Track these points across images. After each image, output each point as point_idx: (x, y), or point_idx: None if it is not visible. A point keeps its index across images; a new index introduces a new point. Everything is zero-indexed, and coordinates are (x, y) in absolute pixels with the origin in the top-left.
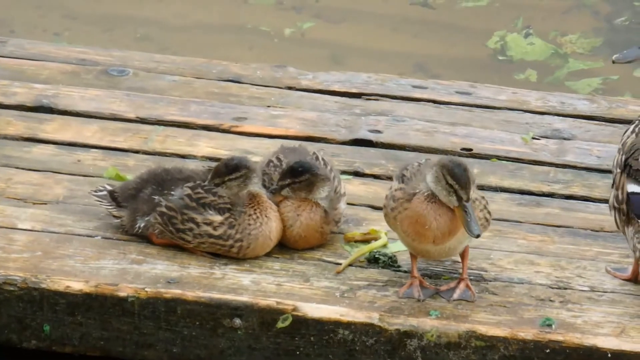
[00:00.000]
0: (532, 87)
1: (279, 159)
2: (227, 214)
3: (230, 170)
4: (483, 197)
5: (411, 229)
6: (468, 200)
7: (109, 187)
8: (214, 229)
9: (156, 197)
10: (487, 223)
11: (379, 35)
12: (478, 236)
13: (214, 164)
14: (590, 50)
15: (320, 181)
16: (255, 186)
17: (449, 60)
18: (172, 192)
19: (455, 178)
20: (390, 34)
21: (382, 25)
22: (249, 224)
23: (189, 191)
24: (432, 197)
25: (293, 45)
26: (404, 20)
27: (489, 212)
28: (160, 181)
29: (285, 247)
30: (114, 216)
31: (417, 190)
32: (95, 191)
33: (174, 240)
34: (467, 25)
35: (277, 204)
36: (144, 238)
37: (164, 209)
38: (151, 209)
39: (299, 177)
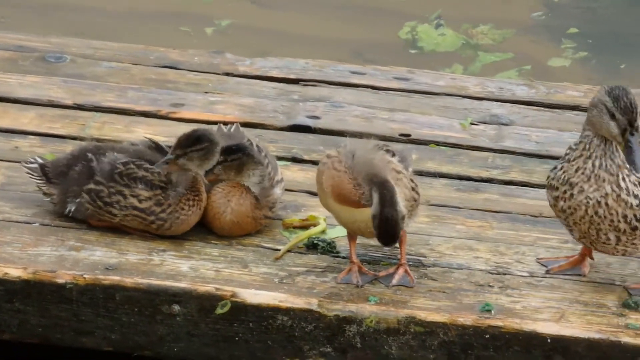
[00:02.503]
0: None
1: None
2: (157, 191)
3: (192, 142)
4: (412, 180)
5: (335, 195)
6: (635, 131)
7: (40, 160)
8: (139, 202)
9: (93, 162)
10: (415, 203)
11: (316, 21)
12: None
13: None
14: (501, 41)
15: (252, 164)
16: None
17: (386, 46)
18: (104, 158)
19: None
20: (327, 20)
21: (319, 11)
22: (182, 209)
23: (121, 167)
24: (352, 175)
25: (230, 31)
26: (342, 6)
27: (417, 193)
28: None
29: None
30: (45, 193)
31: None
32: (27, 162)
33: (104, 218)
34: (402, 10)
35: (209, 187)
36: (82, 223)
37: (91, 185)
38: (81, 188)
39: (231, 155)
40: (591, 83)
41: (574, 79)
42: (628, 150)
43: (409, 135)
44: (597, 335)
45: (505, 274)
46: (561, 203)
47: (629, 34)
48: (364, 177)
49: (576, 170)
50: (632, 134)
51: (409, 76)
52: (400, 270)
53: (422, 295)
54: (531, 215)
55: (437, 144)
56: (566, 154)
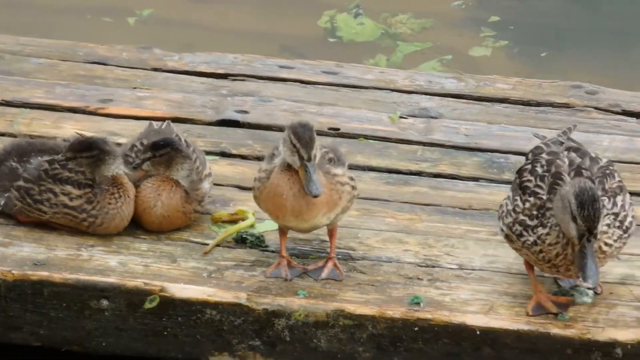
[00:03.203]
0: None
1: (142, 144)
2: (86, 189)
3: (82, 148)
4: (352, 178)
5: (271, 205)
6: (310, 159)
7: None
8: (70, 200)
9: (19, 169)
10: (353, 198)
11: (244, 16)
12: (316, 196)
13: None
14: (419, 31)
15: (181, 158)
16: (115, 168)
17: (307, 37)
18: (31, 162)
19: (298, 137)
20: (255, 14)
21: (245, 5)
22: (109, 203)
23: (46, 165)
24: (287, 170)
25: (158, 26)
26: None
27: (354, 188)
28: (23, 153)
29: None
30: None
31: (275, 165)
32: None
33: (33, 215)
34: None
35: (138, 182)
36: (10, 219)
37: (21, 182)
38: (11, 183)
39: (159, 150)
40: (513, 70)
41: (496, 68)
42: (581, 255)
43: (338, 129)
44: (526, 327)
45: (434, 267)
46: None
47: (550, 23)
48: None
49: (556, 255)
50: (589, 240)
51: (337, 70)
52: (329, 264)
53: (351, 288)
54: (460, 208)
55: (366, 137)
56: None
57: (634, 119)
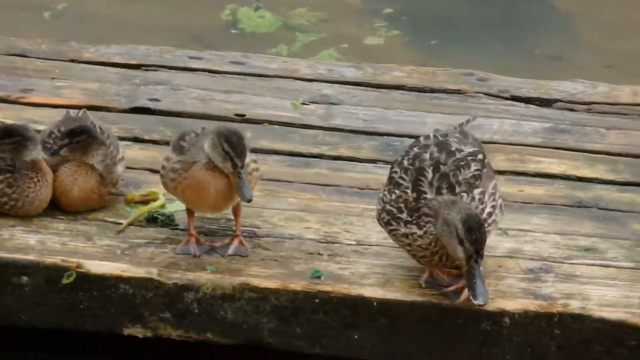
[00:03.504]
0: None
1: (60, 131)
2: (7, 174)
3: (4, 135)
4: (255, 161)
5: (193, 196)
6: (243, 167)
7: None
8: None
9: None
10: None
11: (153, 9)
12: (250, 200)
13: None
14: (316, 22)
15: (96, 144)
16: (36, 153)
17: (219, 31)
18: None
19: (232, 145)
20: (163, 7)
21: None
22: (29, 187)
23: None
24: (210, 165)
25: (72, 20)
26: None
27: (257, 170)
28: None
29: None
30: None
31: (197, 160)
32: None
33: None
34: None
35: (56, 167)
36: None
37: None
38: None
39: (76, 137)
40: (407, 59)
41: (391, 56)
42: (469, 275)
43: (243, 115)
44: (419, 299)
45: (334, 243)
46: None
47: (441, 14)
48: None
49: (422, 257)
50: (476, 261)
51: (243, 60)
52: (236, 241)
53: (255, 263)
54: (358, 188)
55: (271, 123)
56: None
57: (522, 104)
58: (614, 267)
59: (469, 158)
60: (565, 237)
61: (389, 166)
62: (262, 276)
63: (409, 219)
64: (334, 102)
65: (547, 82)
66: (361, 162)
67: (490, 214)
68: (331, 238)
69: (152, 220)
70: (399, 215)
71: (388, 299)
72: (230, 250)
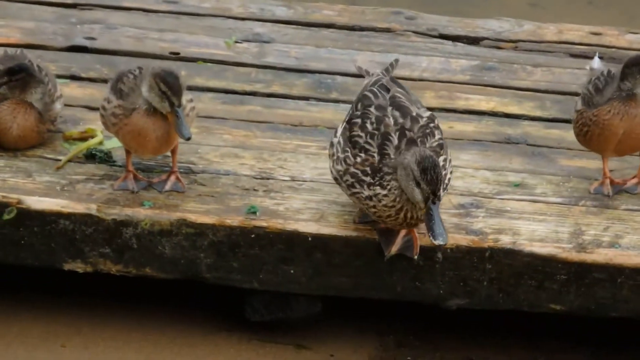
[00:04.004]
0: None
1: None
2: None
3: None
4: (192, 100)
5: (133, 142)
6: (180, 105)
7: None
8: None
9: None
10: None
11: None
12: (189, 139)
13: None
14: None
15: (35, 82)
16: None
17: None
18: None
19: (168, 85)
20: None
21: None
22: None
23: None
24: (150, 112)
25: None
26: None
27: (194, 109)
28: None
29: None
30: None
31: (137, 106)
32: None
33: None
34: None
35: None
36: None
37: None
38: None
39: (15, 75)
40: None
41: None
42: (428, 217)
43: (178, 54)
44: (353, 234)
45: (269, 179)
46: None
47: None
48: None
49: (388, 217)
50: (433, 202)
51: None
52: (172, 177)
53: (192, 199)
54: (292, 125)
55: (204, 61)
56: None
57: (450, 42)
58: (543, 202)
59: (432, 125)
60: (495, 173)
61: (322, 103)
62: (198, 212)
63: (372, 180)
64: (266, 41)
65: (473, 20)
66: (294, 99)
67: (449, 180)
68: (266, 174)
69: (90, 156)
70: (363, 178)
71: (322, 233)
72: (167, 186)
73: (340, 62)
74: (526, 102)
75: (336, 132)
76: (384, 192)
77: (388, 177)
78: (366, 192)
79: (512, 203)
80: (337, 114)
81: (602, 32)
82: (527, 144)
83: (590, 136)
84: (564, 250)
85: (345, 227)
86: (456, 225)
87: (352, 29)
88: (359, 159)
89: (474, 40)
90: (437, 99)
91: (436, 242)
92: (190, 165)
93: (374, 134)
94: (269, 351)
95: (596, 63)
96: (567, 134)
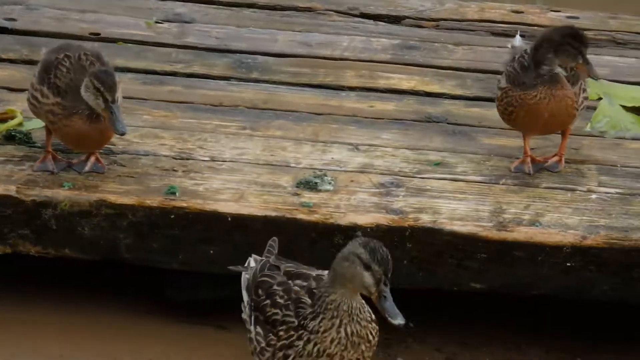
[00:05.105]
0: None
1: None
2: None
3: None
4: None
5: (71, 143)
6: (114, 101)
7: None
8: None
9: None
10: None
11: None
12: (124, 134)
13: None
14: None
15: None
16: None
17: None
18: None
19: (101, 81)
20: None
21: None
22: None
23: None
24: (92, 117)
25: None
26: None
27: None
28: None
29: None
30: None
31: (79, 110)
32: None
33: None
34: None
35: None
36: None
37: None
38: None
39: None
40: None
41: None
42: (382, 300)
43: (98, 34)
44: (273, 214)
45: (188, 159)
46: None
47: None
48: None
49: (331, 342)
50: (385, 284)
51: None
52: (92, 158)
53: (112, 180)
54: (212, 105)
55: (125, 41)
56: None
57: (371, 21)
58: (463, 181)
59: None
60: (416, 151)
61: (242, 83)
62: (118, 192)
63: (303, 332)
64: (187, 21)
65: None
66: (214, 79)
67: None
68: (185, 154)
69: (9, 138)
70: (295, 342)
71: (242, 213)
72: (87, 167)
73: (261, 41)
74: (447, 80)
75: (249, 330)
76: (322, 329)
77: (317, 318)
78: (307, 347)
79: (432, 182)
80: (258, 94)
81: (524, 10)
82: (448, 123)
83: (515, 117)
84: (485, 229)
85: (265, 207)
86: (376, 204)
87: (273, 8)
88: (282, 333)
89: (395, 19)
90: (358, 79)
91: (396, 323)
92: (110, 146)
93: (287, 305)
94: (189, 332)
95: (518, 41)
96: (488, 113)
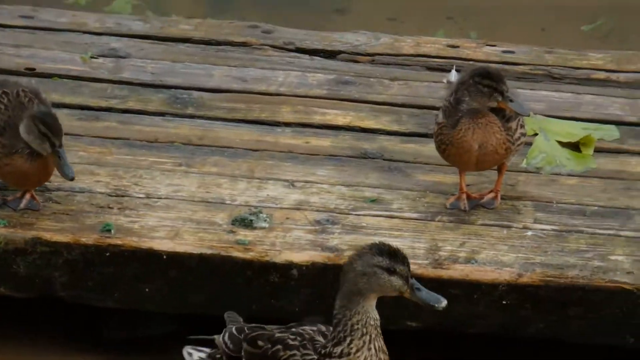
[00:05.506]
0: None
1: None
2: None
3: None
4: None
5: (12, 182)
6: (61, 146)
7: None
8: None
9: None
10: None
11: None
12: (73, 179)
13: None
14: None
15: None
16: None
17: None
18: None
19: (47, 126)
20: None
21: None
22: None
23: None
24: (32, 156)
25: None
26: None
27: None
28: None
29: None
30: None
31: (19, 149)
32: None
33: None
34: None
35: None
36: None
37: None
38: None
39: None
40: (194, 9)
41: (178, 5)
42: (416, 292)
43: (34, 69)
44: (209, 251)
45: (124, 196)
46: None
47: None
48: None
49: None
50: (411, 277)
51: (33, 14)
52: (27, 195)
53: (47, 217)
54: (147, 141)
55: (60, 76)
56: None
57: (307, 56)
58: (399, 218)
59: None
60: (351, 188)
61: (177, 118)
62: (53, 230)
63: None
64: (122, 56)
65: (330, 33)
66: (150, 115)
67: None
68: (121, 191)
69: None
70: None
71: (177, 251)
72: (22, 204)
73: (197, 77)
74: (383, 116)
75: None
76: (354, 349)
77: (344, 342)
78: None
79: (368, 219)
80: (193, 130)
81: (460, 44)
82: (384, 159)
83: (448, 154)
84: (420, 266)
85: (200, 245)
86: (312, 241)
87: (208, 43)
88: None
89: (330, 54)
90: (293, 114)
91: (441, 306)
92: (45, 183)
93: (304, 344)
94: None
95: (453, 76)
96: (424, 149)
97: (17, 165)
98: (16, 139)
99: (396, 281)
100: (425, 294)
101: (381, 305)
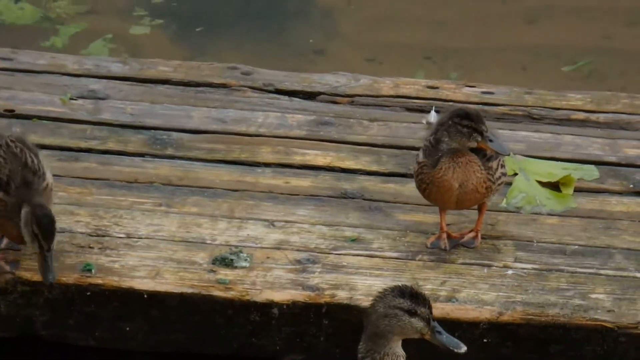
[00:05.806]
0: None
1: None
2: None
3: None
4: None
5: (15, 240)
6: (49, 250)
7: None
8: None
9: None
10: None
11: None
12: (51, 285)
13: None
14: (74, 15)
15: None
16: None
17: None
18: None
19: (40, 228)
20: None
21: None
22: None
23: None
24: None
25: None
26: None
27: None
28: None
29: None
30: None
31: (13, 218)
32: None
33: None
34: None
35: None
36: None
37: None
38: None
39: None
40: (173, 51)
41: (158, 48)
42: (437, 335)
43: (12, 111)
44: (189, 290)
45: (104, 236)
46: None
47: (205, 6)
48: None
49: None
50: (434, 320)
51: (12, 56)
52: (5, 240)
53: (28, 257)
54: (127, 182)
55: (40, 118)
56: None
57: (286, 97)
58: (379, 257)
59: None
60: (332, 227)
61: (157, 159)
62: (33, 270)
63: None
64: (101, 97)
65: (310, 75)
66: (129, 155)
67: None
68: (101, 231)
69: None
70: None
71: (158, 291)
72: (3, 244)
73: (176, 118)
74: (363, 156)
75: None
76: None
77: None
78: None
79: (348, 258)
80: (173, 170)
81: (439, 85)
82: (364, 199)
83: (429, 193)
84: None
85: (181, 284)
86: (292, 281)
87: (187, 84)
88: None
89: (310, 95)
90: (273, 155)
91: (461, 351)
92: None
93: None
94: None
95: (433, 117)
96: (404, 188)
97: (8, 231)
98: (16, 211)
99: (417, 323)
100: (446, 338)
101: (359, 343)
